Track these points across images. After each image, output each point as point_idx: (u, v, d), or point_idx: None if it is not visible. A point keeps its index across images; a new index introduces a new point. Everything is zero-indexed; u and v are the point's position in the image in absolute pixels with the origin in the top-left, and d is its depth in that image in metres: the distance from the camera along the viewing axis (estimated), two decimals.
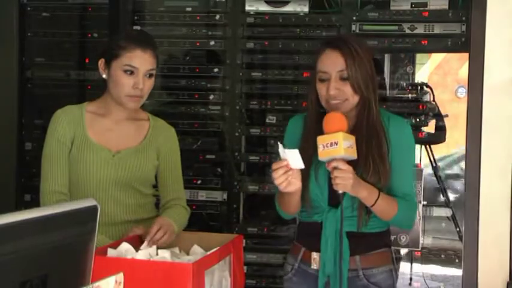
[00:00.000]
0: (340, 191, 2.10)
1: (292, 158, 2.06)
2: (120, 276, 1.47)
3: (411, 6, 3.42)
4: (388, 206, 2.18)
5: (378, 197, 2.15)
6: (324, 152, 2.07)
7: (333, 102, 2.17)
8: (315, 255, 2.25)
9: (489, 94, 2.84)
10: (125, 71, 2.34)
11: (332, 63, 2.15)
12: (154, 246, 2.13)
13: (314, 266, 2.25)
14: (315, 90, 2.21)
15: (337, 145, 2.05)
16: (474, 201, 2.75)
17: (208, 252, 2.14)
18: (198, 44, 3.60)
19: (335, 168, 2.07)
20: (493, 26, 2.78)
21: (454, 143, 3.18)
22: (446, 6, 3.39)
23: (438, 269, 4.40)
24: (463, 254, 2.82)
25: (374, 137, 2.20)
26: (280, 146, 2.09)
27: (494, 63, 2.83)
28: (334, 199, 2.18)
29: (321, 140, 2.08)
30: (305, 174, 2.14)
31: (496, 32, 2.78)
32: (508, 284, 2.67)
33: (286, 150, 2.07)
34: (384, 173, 2.18)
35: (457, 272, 2.90)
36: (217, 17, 3.58)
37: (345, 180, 2.07)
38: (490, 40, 2.77)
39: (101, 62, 2.40)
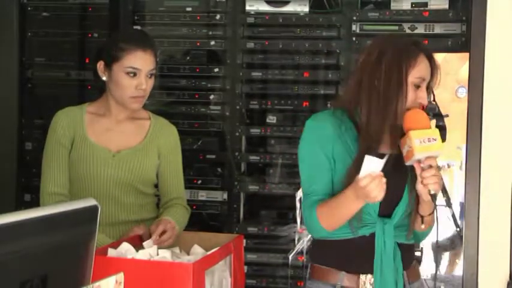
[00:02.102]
0: (433, 192, 1.96)
1: (378, 167, 1.93)
2: (120, 276, 1.47)
3: (411, 6, 3.42)
4: (432, 217, 2.07)
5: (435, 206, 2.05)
6: (421, 147, 1.93)
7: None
8: (363, 277, 2.04)
9: (489, 94, 2.84)
10: (128, 73, 2.34)
11: (427, 71, 2.06)
12: (155, 246, 2.13)
13: None
14: (404, 93, 2.02)
15: (435, 141, 1.94)
16: (474, 201, 2.75)
17: (209, 252, 2.14)
18: (198, 44, 3.60)
19: (430, 166, 1.94)
20: (493, 26, 2.78)
21: (454, 143, 3.17)
22: (446, 6, 3.39)
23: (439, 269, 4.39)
24: (464, 254, 2.82)
25: None
26: (369, 157, 1.92)
27: (495, 63, 2.82)
28: (386, 208, 2.04)
29: (417, 135, 1.94)
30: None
31: (497, 32, 2.78)
32: (508, 284, 2.67)
33: (376, 159, 1.92)
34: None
35: (458, 272, 2.90)
36: (218, 16, 3.58)
37: (440, 180, 1.96)
38: (491, 40, 2.77)
39: (100, 65, 2.39)
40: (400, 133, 2.01)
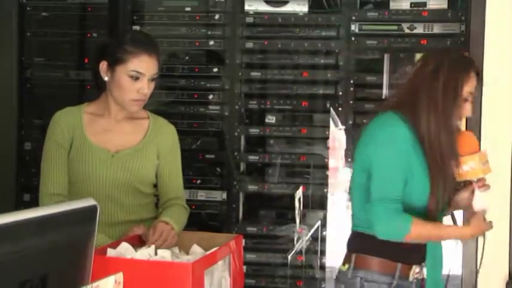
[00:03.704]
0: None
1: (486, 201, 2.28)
2: (119, 276, 1.47)
3: (410, 6, 3.42)
4: None
5: None
6: (483, 169, 2.24)
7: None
8: (414, 267, 2.26)
9: (489, 93, 2.84)
10: (131, 76, 2.34)
11: (475, 86, 2.28)
12: (153, 246, 2.13)
13: (410, 279, 2.26)
14: (459, 107, 2.25)
15: (488, 163, 2.25)
16: None
17: (208, 252, 2.14)
18: (197, 44, 3.60)
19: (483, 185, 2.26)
20: (492, 25, 2.79)
21: None
22: (445, 6, 3.39)
23: None
24: (462, 254, 2.82)
25: None
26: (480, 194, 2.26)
27: (494, 62, 2.83)
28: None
29: (480, 159, 2.24)
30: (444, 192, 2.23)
31: (495, 31, 2.79)
32: (507, 283, 2.68)
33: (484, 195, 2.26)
34: None
35: (457, 272, 2.90)
36: (217, 16, 3.58)
37: None
38: (490, 39, 2.78)
39: (103, 65, 2.38)
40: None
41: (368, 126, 2.27)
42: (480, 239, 2.30)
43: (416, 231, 2.11)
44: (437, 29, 3.39)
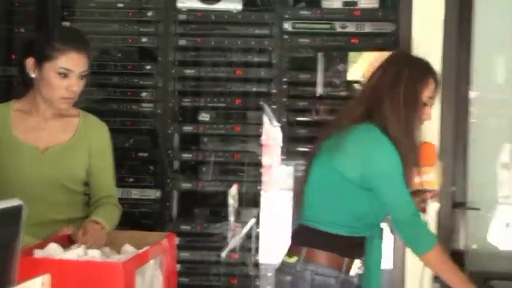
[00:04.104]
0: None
1: None
2: (46, 278, 1.44)
3: (342, 5, 3.46)
4: None
5: None
6: (436, 182, 2.38)
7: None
8: (356, 262, 2.33)
9: None
10: (59, 73, 2.29)
11: (434, 91, 2.36)
12: (83, 246, 2.09)
13: (352, 273, 2.33)
14: (420, 112, 2.32)
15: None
16: None
17: (140, 251, 2.12)
18: (130, 40, 3.55)
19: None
20: (419, 25, 2.85)
21: None
22: (376, 5, 3.44)
23: None
24: (392, 248, 2.88)
25: None
26: None
27: None
28: None
29: (437, 170, 2.38)
30: None
31: (422, 31, 2.85)
32: (434, 276, 2.74)
33: None
34: None
35: (386, 265, 2.96)
36: (150, 13, 3.54)
37: None
38: (416, 39, 2.85)
39: (30, 61, 2.33)
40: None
41: (349, 136, 2.29)
42: None
43: (436, 257, 2.25)
44: (368, 28, 3.44)
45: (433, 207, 2.42)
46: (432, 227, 2.45)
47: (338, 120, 2.41)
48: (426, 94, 2.32)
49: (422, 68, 2.35)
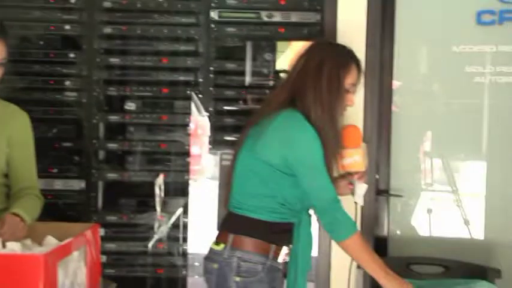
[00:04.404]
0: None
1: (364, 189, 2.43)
2: None
3: None
4: None
5: None
6: (362, 163, 2.38)
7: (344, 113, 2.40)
8: (284, 249, 2.34)
9: None
10: None
11: (357, 77, 2.38)
12: (1, 239, 2.03)
13: (280, 259, 2.34)
14: (343, 98, 2.33)
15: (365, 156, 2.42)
16: None
17: (62, 243, 2.08)
18: (52, 28, 3.46)
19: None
20: (344, 15, 2.89)
21: None
22: None
23: None
24: (318, 235, 2.92)
25: None
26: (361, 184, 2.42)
27: None
28: None
29: (361, 152, 2.37)
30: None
31: (347, 21, 2.89)
32: (358, 265, 2.80)
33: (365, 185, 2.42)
34: None
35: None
36: (73, 0, 3.46)
37: None
38: (342, 29, 2.88)
39: None
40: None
41: (271, 122, 2.29)
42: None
43: (356, 243, 2.25)
44: (294, 17, 3.46)
45: (361, 188, 2.42)
46: (361, 208, 2.47)
47: (263, 107, 2.42)
48: (349, 81, 2.34)
49: (345, 55, 2.38)
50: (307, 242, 2.40)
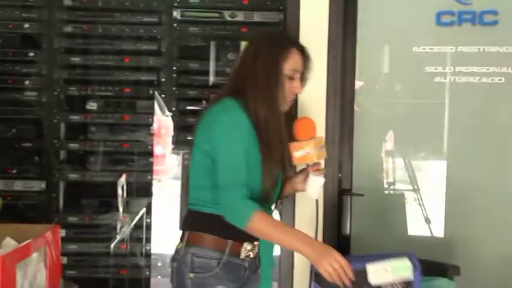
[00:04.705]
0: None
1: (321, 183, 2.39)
2: None
3: None
4: None
5: None
6: (319, 154, 2.34)
7: (290, 100, 2.30)
8: (245, 245, 2.27)
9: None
10: None
11: (301, 63, 2.30)
12: None
13: (242, 256, 2.27)
14: (282, 85, 2.26)
15: (323, 148, 2.36)
16: None
17: (21, 245, 2.05)
18: (10, 26, 3.41)
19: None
20: (306, 15, 2.90)
21: None
22: None
23: None
24: None
25: None
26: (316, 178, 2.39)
27: (309, 51, 2.95)
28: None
29: (317, 143, 2.32)
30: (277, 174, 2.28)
31: (309, 21, 2.90)
32: None
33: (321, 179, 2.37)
34: None
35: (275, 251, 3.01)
36: None
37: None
38: (304, 28, 2.89)
39: None
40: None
41: (209, 112, 2.26)
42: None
43: (257, 223, 2.11)
44: (257, 17, 3.47)
45: (315, 181, 2.37)
46: (319, 204, 2.46)
47: (209, 103, 2.38)
48: (289, 66, 2.26)
49: (283, 41, 2.32)
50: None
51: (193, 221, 2.30)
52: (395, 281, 2.14)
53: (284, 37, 2.37)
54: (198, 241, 2.26)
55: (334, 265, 2.08)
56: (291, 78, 2.27)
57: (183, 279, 2.24)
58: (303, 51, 2.33)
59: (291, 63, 2.27)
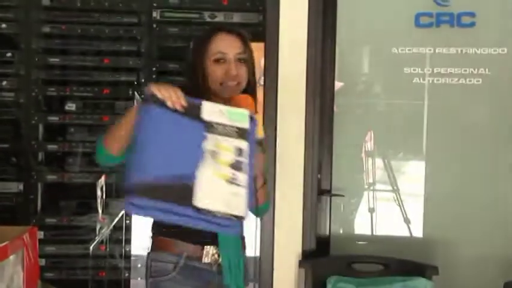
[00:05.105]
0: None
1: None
2: None
3: None
4: (265, 189, 2.21)
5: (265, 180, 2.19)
6: None
7: (230, 84, 2.14)
8: (208, 248, 2.15)
9: (284, 82, 2.96)
10: None
11: (230, 45, 2.16)
12: None
13: (205, 260, 2.17)
14: (203, 72, 2.14)
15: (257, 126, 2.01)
16: (270, 184, 2.86)
17: None
18: None
19: None
20: (285, 16, 2.90)
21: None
22: None
23: None
24: (260, 235, 2.93)
25: None
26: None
27: (288, 52, 2.95)
28: None
29: None
30: None
31: (289, 22, 2.91)
32: (299, 262, 2.83)
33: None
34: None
35: (256, 252, 3.01)
36: None
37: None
38: (284, 29, 2.90)
39: None
40: None
41: None
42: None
43: (105, 138, 2.03)
44: (237, 18, 3.47)
45: None
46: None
47: None
48: (215, 49, 2.14)
49: (211, 28, 2.24)
50: (233, 241, 2.19)
51: (155, 227, 2.23)
52: (230, 124, 1.93)
53: (215, 27, 2.26)
54: (158, 246, 2.20)
55: (166, 87, 1.96)
56: (218, 61, 2.14)
57: (146, 285, 2.22)
58: (231, 33, 2.19)
59: (217, 46, 2.14)
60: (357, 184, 3.40)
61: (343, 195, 3.20)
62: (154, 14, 3.45)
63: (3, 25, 3.39)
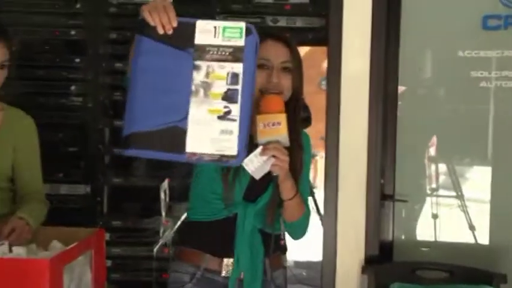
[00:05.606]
0: (275, 174, 1.96)
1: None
2: None
3: (273, 0, 3.49)
4: (299, 205, 2.10)
5: (297, 192, 2.06)
6: (265, 131, 1.93)
7: (271, 92, 2.04)
8: (226, 261, 2.08)
9: (347, 85, 2.95)
10: None
11: (275, 52, 2.08)
12: (7, 243, 2.04)
13: (224, 274, 2.08)
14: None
15: (280, 125, 1.93)
16: (333, 190, 2.85)
17: (68, 248, 2.08)
18: (57, 33, 3.48)
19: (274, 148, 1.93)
20: (348, 20, 2.89)
21: (319, 134, 3.29)
22: (307, 0, 3.49)
23: (301, 256, 4.54)
24: (323, 240, 2.92)
25: (297, 140, 2.12)
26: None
27: (352, 56, 2.94)
28: (251, 193, 2.07)
29: (262, 119, 1.94)
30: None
31: (352, 26, 2.89)
32: (363, 268, 2.80)
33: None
34: (299, 172, 2.11)
35: (318, 257, 3.00)
36: (78, 5, 3.48)
37: (283, 163, 1.94)
38: (347, 34, 2.88)
39: None
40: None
41: None
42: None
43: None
44: (299, 22, 3.48)
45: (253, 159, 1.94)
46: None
47: None
48: (259, 55, 1.90)
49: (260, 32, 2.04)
50: (255, 254, 2.08)
51: (179, 234, 2.22)
52: (224, 44, 1.77)
53: (263, 33, 2.03)
54: (178, 256, 2.16)
55: (158, 9, 1.83)
56: (261, 67, 2.02)
57: None
58: (279, 40, 2.10)
59: (259, 53, 1.91)
60: (420, 189, 3.35)
61: (407, 201, 3.16)
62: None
63: (72, 32, 3.48)
